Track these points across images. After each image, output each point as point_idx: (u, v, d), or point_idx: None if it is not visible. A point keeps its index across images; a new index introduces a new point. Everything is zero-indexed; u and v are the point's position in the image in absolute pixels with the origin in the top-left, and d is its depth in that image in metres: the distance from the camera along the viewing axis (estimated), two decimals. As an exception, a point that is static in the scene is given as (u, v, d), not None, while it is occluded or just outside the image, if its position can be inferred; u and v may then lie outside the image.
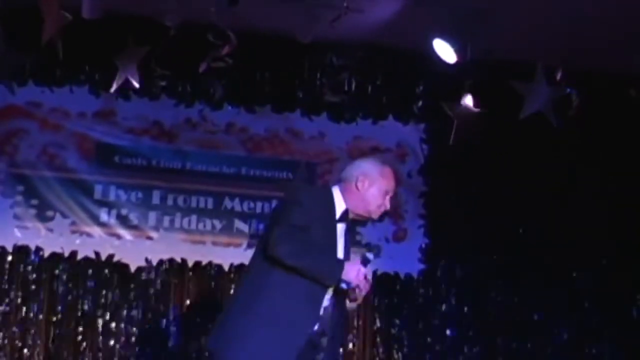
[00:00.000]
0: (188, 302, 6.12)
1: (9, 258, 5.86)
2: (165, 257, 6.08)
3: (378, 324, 6.40)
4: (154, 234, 6.10)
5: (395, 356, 6.38)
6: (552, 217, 6.55)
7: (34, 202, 5.92)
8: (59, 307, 5.89)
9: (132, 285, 6.02)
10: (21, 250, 5.88)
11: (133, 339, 5.98)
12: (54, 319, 5.88)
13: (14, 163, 5.94)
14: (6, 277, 5.85)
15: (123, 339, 5.96)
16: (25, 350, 5.80)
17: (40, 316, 5.85)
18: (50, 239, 5.91)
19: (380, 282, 6.35)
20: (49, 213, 5.93)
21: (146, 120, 6.19)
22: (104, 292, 5.99)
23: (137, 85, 5.64)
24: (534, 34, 5.83)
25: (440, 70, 5.85)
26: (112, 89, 5.69)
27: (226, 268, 6.16)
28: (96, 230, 6.00)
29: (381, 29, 6.00)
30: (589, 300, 6.67)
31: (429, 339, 6.43)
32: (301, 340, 3.39)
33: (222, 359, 3.44)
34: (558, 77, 5.80)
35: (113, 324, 5.95)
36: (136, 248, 6.03)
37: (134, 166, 6.13)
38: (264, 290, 3.42)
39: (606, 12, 5.48)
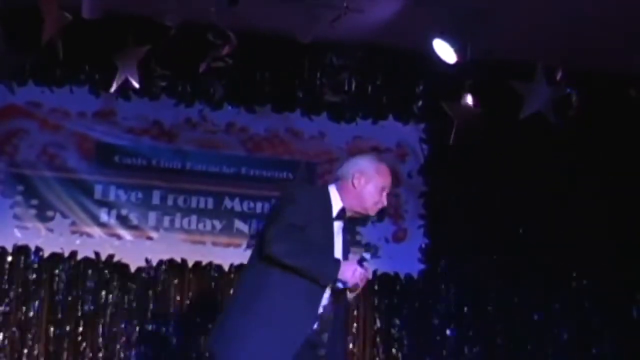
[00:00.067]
0: (188, 302, 6.12)
1: (9, 258, 5.86)
2: (165, 257, 6.08)
3: (378, 324, 6.40)
4: (154, 234, 6.10)
5: (395, 356, 6.38)
6: (552, 217, 6.56)
7: (34, 202, 5.92)
8: (59, 307, 5.89)
9: (132, 286, 6.02)
10: (21, 250, 5.88)
11: (133, 339, 5.98)
12: (54, 319, 5.88)
13: (14, 163, 5.94)
14: (6, 277, 5.85)
15: (123, 339, 5.96)
16: (25, 350, 5.80)
17: (40, 316, 5.85)
18: (50, 239, 5.90)
19: (380, 282, 6.36)
20: (49, 213, 5.93)
21: (146, 120, 6.19)
22: (104, 292, 5.99)
23: (137, 85, 5.64)
24: (534, 34, 5.83)
25: (440, 70, 5.85)
26: (112, 89, 5.68)
27: (226, 268, 6.15)
28: (96, 231, 6.00)
29: (381, 29, 5.99)
30: (589, 300, 6.67)
31: (429, 339, 6.43)
32: (300, 340, 3.40)
33: (222, 359, 3.45)
34: (558, 77, 5.80)
35: (113, 324, 5.95)
36: (136, 248, 6.03)
37: (134, 166, 6.13)
38: (263, 290, 3.42)
39: (606, 12, 5.47)
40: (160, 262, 6.07)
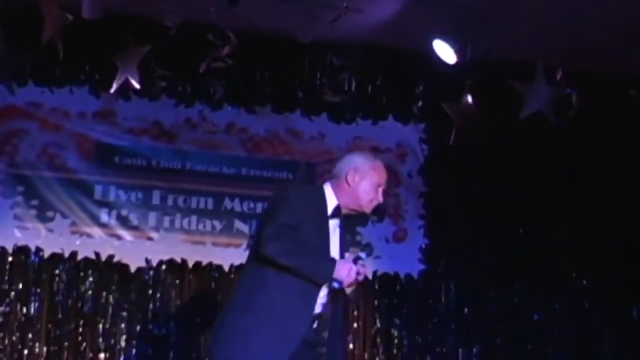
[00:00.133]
0: (188, 302, 6.12)
1: (9, 258, 5.86)
2: (165, 257, 6.08)
3: (378, 324, 6.40)
4: (154, 235, 6.09)
5: (395, 356, 6.38)
6: (552, 217, 6.55)
7: (34, 202, 5.91)
8: (59, 307, 5.89)
9: (132, 286, 6.02)
10: (21, 251, 5.88)
11: (133, 339, 5.97)
12: (54, 319, 5.87)
13: (14, 163, 5.94)
14: (6, 277, 5.85)
15: (123, 339, 5.96)
16: (25, 351, 5.79)
17: (40, 316, 5.85)
18: (50, 239, 5.90)
19: (380, 282, 6.36)
20: (49, 213, 5.93)
21: (146, 120, 6.19)
22: (104, 292, 5.98)
23: (137, 85, 5.64)
24: (534, 34, 5.83)
25: (440, 70, 5.85)
26: (112, 89, 5.68)
27: (226, 268, 6.15)
28: (96, 231, 6.00)
29: (381, 29, 6.00)
30: (589, 300, 6.67)
31: (429, 339, 6.43)
32: (297, 339, 3.40)
33: (222, 359, 3.45)
34: (558, 77, 5.80)
35: (113, 324, 5.95)
36: (136, 248, 6.03)
37: (134, 166, 6.13)
38: (262, 289, 3.43)
39: (606, 12, 5.48)
40: (160, 263, 6.07)
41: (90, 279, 5.96)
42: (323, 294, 3.49)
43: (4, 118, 5.96)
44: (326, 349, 3.50)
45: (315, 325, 3.48)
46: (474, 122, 5.82)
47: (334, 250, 3.56)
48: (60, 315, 5.89)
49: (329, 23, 5.35)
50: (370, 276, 6.15)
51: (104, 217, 6.03)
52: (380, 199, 3.66)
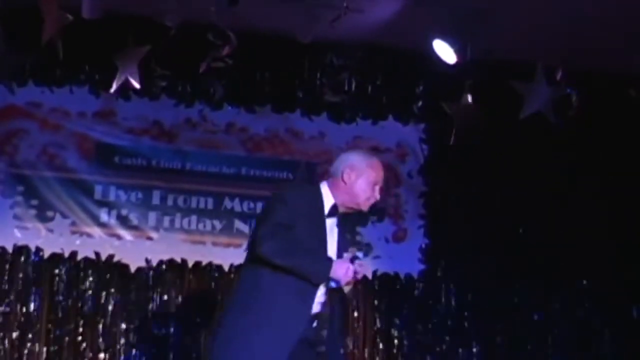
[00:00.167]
0: (188, 302, 6.12)
1: (9, 258, 5.86)
2: (165, 257, 6.08)
3: (378, 324, 6.39)
4: (154, 235, 6.10)
5: (395, 356, 6.38)
6: (552, 217, 6.55)
7: (34, 202, 5.92)
8: (59, 307, 5.89)
9: (132, 286, 6.02)
10: (21, 251, 5.88)
11: (133, 339, 5.97)
12: (54, 319, 5.88)
13: (14, 163, 5.94)
14: (6, 277, 5.85)
15: (123, 339, 5.96)
16: (25, 351, 5.79)
17: (41, 316, 5.85)
18: (50, 239, 5.91)
19: (380, 282, 6.35)
20: (49, 213, 5.93)
21: (146, 120, 6.19)
22: (104, 292, 5.98)
23: (137, 85, 5.64)
24: (534, 34, 5.83)
25: (440, 70, 5.85)
26: (112, 89, 5.67)
27: (226, 268, 6.15)
28: (96, 231, 6.00)
29: (381, 29, 5.99)
30: (589, 300, 6.67)
31: (429, 339, 6.43)
32: (294, 338, 3.40)
33: (222, 359, 3.45)
34: (558, 77, 5.80)
35: (113, 324, 5.95)
36: (136, 248, 6.03)
37: (134, 166, 6.13)
38: (261, 289, 3.43)
39: (606, 12, 5.47)
40: (160, 262, 6.07)
41: (90, 278, 5.97)
42: (321, 293, 3.49)
43: (4, 118, 5.96)
44: (325, 348, 3.50)
45: (314, 325, 3.48)
46: (474, 122, 5.82)
47: (332, 250, 3.56)
48: (60, 315, 5.89)
49: (329, 23, 5.35)
50: (369, 275, 6.17)
51: (104, 217, 6.03)
52: (377, 196, 3.66)
